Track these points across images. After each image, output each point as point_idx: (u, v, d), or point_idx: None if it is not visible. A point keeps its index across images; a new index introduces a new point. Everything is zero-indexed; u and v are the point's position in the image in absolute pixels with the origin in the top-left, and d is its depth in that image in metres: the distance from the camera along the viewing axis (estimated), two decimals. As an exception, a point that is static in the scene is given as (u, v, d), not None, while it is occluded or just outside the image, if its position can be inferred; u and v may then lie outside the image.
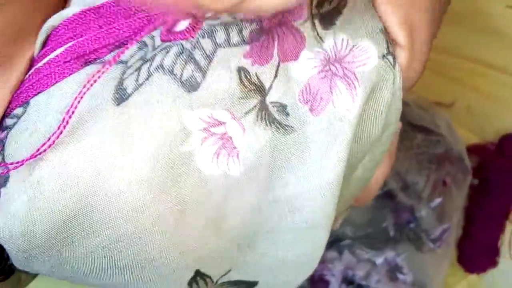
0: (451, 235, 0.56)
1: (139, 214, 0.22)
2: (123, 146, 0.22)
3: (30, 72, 0.24)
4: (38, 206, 0.21)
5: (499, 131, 0.68)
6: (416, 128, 0.55)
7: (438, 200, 0.54)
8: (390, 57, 0.24)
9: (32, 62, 0.25)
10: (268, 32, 0.23)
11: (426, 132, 0.55)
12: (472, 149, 0.63)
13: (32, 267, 0.24)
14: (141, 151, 0.22)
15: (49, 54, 0.24)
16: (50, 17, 0.25)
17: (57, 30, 0.24)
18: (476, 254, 0.63)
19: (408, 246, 0.54)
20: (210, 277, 0.27)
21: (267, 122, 0.23)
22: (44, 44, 0.25)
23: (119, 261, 0.24)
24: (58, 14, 0.24)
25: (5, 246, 0.23)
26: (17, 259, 0.23)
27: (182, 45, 0.22)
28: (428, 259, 0.55)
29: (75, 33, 0.24)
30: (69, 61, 0.23)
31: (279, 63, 0.23)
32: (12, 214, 0.22)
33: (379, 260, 0.54)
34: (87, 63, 0.23)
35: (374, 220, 0.54)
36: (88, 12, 0.24)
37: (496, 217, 0.64)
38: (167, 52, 0.22)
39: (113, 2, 0.24)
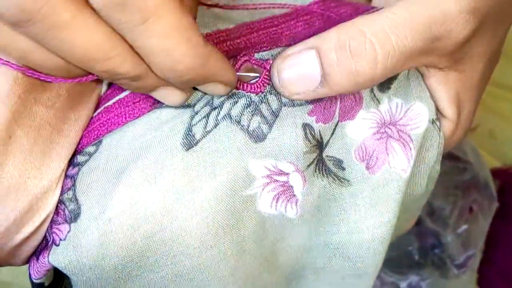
0: (475, 262, 0.56)
1: (203, 252, 0.23)
2: (191, 189, 0.23)
3: (99, 110, 0.25)
4: (109, 242, 0.22)
5: (521, 156, 0.68)
6: (443, 155, 0.55)
7: (464, 227, 0.54)
8: (437, 123, 0.26)
9: (99, 100, 0.26)
10: None
11: (453, 158, 0.56)
12: (494, 173, 0.64)
13: None
14: (208, 194, 0.23)
15: (117, 94, 0.25)
16: None
17: None
18: (497, 278, 0.64)
19: (433, 271, 0.55)
20: None
21: (324, 173, 0.25)
22: (111, 83, 0.26)
23: None
24: None
25: (72, 278, 0.24)
26: None
27: (250, 97, 0.23)
28: (452, 285, 0.55)
29: None
30: (138, 102, 0.24)
31: (338, 122, 0.24)
32: (83, 248, 0.23)
33: (404, 284, 0.55)
34: (155, 104, 0.24)
35: (399, 244, 0.54)
36: None
37: (517, 242, 0.64)
38: (235, 102, 0.23)
39: None
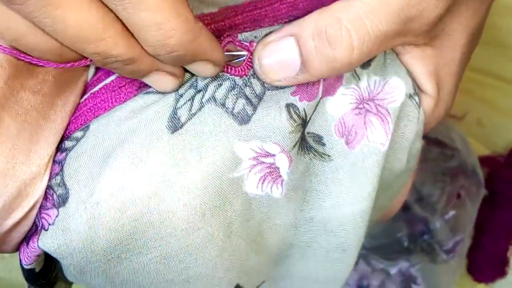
0: (463, 247, 0.57)
1: (190, 234, 0.24)
2: (178, 171, 0.23)
3: (86, 96, 0.25)
4: (97, 225, 0.23)
5: (509, 143, 0.69)
6: (431, 142, 0.56)
7: (452, 213, 0.55)
8: (416, 98, 0.26)
9: (86, 86, 0.26)
10: None
11: (441, 145, 0.57)
12: (482, 161, 0.64)
13: (83, 280, 0.25)
14: (194, 176, 0.23)
15: (103, 79, 0.25)
16: None
17: None
18: (486, 264, 0.64)
19: (422, 257, 0.56)
20: None
21: (305, 149, 0.25)
22: (97, 69, 0.26)
23: (167, 275, 0.25)
24: None
25: (62, 262, 0.24)
26: (71, 273, 0.25)
27: (234, 80, 0.24)
28: (441, 270, 0.56)
29: None
30: (124, 86, 0.24)
31: (320, 99, 0.25)
32: (72, 232, 0.23)
33: (394, 270, 0.55)
34: (141, 88, 0.24)
35: (388, 231, 0.55)
36: None
37: (505, 228, 0.65)
38: (220, 85, 0.24)
39: None
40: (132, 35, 0.20)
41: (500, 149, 0.70)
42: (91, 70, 0.26)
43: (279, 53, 0.23)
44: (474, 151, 0.60)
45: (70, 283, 0.32)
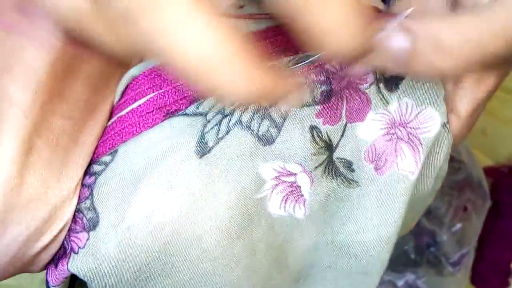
0: (469, 259, 0.58)
1: (217, 256, 0.24)
2: (206, 195, 0.23)
3: (113, 120, 0.26)
4: (127, 249, 0.23)
5: (512, 154, 0.69)
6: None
7: (458, 225, 0.56)
8: (448, 125, 0.26)
9: (112, 109, 0.26)
10: (337, 94, 0.25)
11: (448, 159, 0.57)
12: (486, 172, 0.65)
13: None
14: (222, 200, 0.24)
15: (131, 103, 0.25)
16: (128, 68, 0.27)
17: (138, 79, 0.26)
18: (489, 275, 0.65)
19: (428, 269, 0.56)
20: None
21: (333, 175, 0.25)
22: (123, 92, 0.26)
23: None
24: (139, 65, 0.26)
25: (91, 284, 0.24)
26: None
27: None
28: (447, 282, 0.56)
29: (154, 84, 0.25)
30: (151, 112, 0.25)
31: (346, 123, 0.25)
32: (102, 256, 0.23)
33: (400, 283, 0.56)
34: (168, 113, 0.25)
35: (396, 244, 0.55)
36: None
37: (509, 238, 0.66)
38: (246, 108, 0.24)
39: None
40: None
41: (504, 160, 0.71)
42: (117, 93, 0.26)
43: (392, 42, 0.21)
44: (479, 163, 0.60)
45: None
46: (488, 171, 0.67)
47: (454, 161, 0.57)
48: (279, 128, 0.24)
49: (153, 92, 0.25)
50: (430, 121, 0.26)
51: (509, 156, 0.70)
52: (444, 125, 0.26)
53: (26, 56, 0.23)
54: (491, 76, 0.26)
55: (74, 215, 0.25)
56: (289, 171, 0.25)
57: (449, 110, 0.27)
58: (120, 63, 0.27)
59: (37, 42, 0.24)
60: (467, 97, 0.26)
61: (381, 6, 0.31)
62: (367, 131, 0.25)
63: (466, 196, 0.56)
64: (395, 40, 0.21)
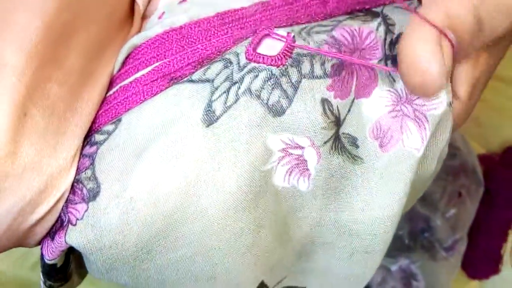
0: (462, 245, 0.58)
1: (222, 230, 0.23)
2: (213, 167, 0.23)
3: (115, 89, 0.25)
4: (130, 220, 0.22)
5: (504, 142, 0.70)
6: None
7: (452, 211, 0.56)
8: (452, 105, 0.26)
9: (111, 79, 0.26)
10: (348, 67, 0.24)
11: (443, 144, 0.57)
12: (479, 159, 0.65)
13: (109, 277, 0.25)
14: (229, 172, 0.23)
15: (133, 73, 0.25)
16: (126, 38, 0.26)
17: (140, 49, 0.25)
18: (480, 261, 0.65)
19: (422, 254, 0.56)
20: (267, 286, 0.28)
21: (340, 150, 0.25)
22: (124, 62, 0.25)
23: (195, 272, 0.25)
24: (141, 34, 0.25)
25: (90, 257, 0.23)
26: (97, 269, 0.24)
27: (271, 71, 0.23)
28: (440, 267, 0.56)
29: (158, 53, 0.24)
30: (156, 80, 0.24)
31: (353, 99, 0.24)
32: (102, 227, 0.22)
33: (394, 267, 0.56)
34: (173, 80, 0.24)
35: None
36: (170, 32, 0.25)
37: (500, 226, 0.66)
38: (256, 76, 0.23)
39: (195, 23, 0.25)
40: None
41: (495, 148, 0.71)
42: (118, 63, 0.26)
43: None
44: (473, 151, 0.60)
45: (83, 277, 0.31)
46: (480, 159, 0.67)
47: (449, 147, 0.57)
48: (290, 99, 0.23)
49: (157, 61, 0.24)
50: (436, 99, 0.25)
51: (501, 144, 0.70)
52: (449, 104, 0.26)
53: (19, 19, 0.22)
54: (483, 54, 0.25)
55: (73, 185, 0.24)
56: (297, 144, 0.24)
57: None
58: (118, 30, 0.26)
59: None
60: (463, 78, 0.26)
61: None
62: (372, 108, 0.25)
63: (460, 182, 0.56)
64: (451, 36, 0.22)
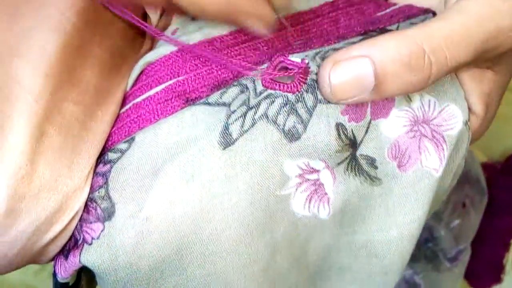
0: (466, 255, 0.58)
1: (237, 252, 0.23)
2: (229, 189, 0.23)
3: (127, 107, 0.25)
4: (145, 241, 0.22)
5: (506, 150, 0.70)
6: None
7: (456, 221, 0.56)
8: (469, 123, 0.26)
9: (125, 96, 0.25)
10: None
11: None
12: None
13: None
14: (244, 194, 0.23)
15: (146, 90, 0.24)
16: (139, 55, 0.26)
17: (153, 65, 0.25)
18: (482, 270, 0.65)
19: (426, 265, 0.56)
20: None
21: (356, 172, 0.25)
22: (137, 79, 0.25)
23: None
24: (155, 51, 0.25)
25: (104, 277, 0.23)
26: None
27: (287, 97, 0.23)
28: (444, 277, 0.57)
29: (171, 70, 0.24)
30: (170, 99, 0.24)
31: (370, 120, 0.24)
32: (118, 247, 0.22)
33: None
34: (188, 101, 0.24)
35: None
36: (184, 50, 0.25)
37: (502, 235, 0.66)
38: (272, 102, 0.23)
39: (208, 42, 0.25)
40: None
41: (497, 156, 0.71)
42: (131, 79, 0.25)
43: (352, 73, 0.22)
44: (477, 160, 0.60)
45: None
46: (482, 167, 0.67)
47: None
48: (305, 124, 0.23)
49: (171, 79, 0.24)
50: (453, 119, 0.25)
51: (503, 153, 0.71)
52: (465, 123, 0.26)
53: (37, 39, 0.22)
54: (487, 72, 0.26)
55: (86, 204, 0.24)
56: (313, 168, 0.24)
57: None
58: (132, 47, 0.26)
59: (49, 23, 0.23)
60: (474, 95, 0.26)
61: None
62: (390, 128, 0.25)
63: (464, 192, 0.56)
64: (356, 68, 0.22)
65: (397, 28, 0.26)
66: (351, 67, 0.22)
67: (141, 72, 0.25)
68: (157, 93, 0.24)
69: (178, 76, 0.24)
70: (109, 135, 0.24)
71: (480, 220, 0.60)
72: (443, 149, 0.25)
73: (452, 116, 0.25)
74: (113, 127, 0.25)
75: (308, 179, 0.24)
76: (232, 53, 0.25)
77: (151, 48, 0.27)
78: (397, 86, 0.22)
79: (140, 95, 0.25)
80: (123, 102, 0.25)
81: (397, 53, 0.22)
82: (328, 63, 0.22)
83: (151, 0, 0.23)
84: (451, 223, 0.56)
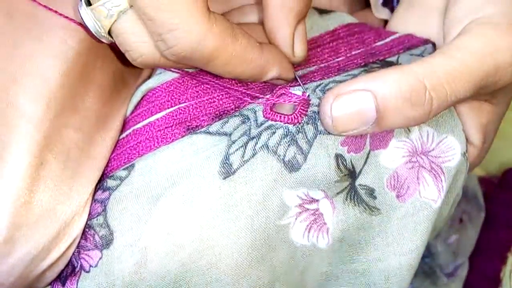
0: (463, 270, 0.58)
1: (236, 281, 0.23)
2: (228, 218, 0.23)
3: (127, 133, 0.25)
4: (143, 270, 0.22)
5: (503, 165, 0.70)
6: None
7: (454, 237, 0.56)
8: (467, 154, 0.26)
9: (124, 121, 0.25)
10: None
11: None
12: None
13: None
14: (244, 223, 0.23)
15: (147, 116, 0.24)
16: (139, 80, 0.26)
17: (154, 91, 0.25)
18: (479, 284, 0.65)
19: (423, 280, 0.56)
20: None
21: (356, 202, 0.25)
22: (138, 104, 0.25)
23: None
24: (157, 77, 0.25)
25: None
26: None
27: (288, 128, 0.23)
28: (441, 293, 0.56)
29: (172, 97, 0.24)
30: (171, 127, 0.24)
31: (369, 151, 0.24)
32: (115, 276, 0.22)
33: (395, 293, 0.55)
34: (189, 129, 0.24)
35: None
36: (186, 77, 0.25)
37: (499, 249, 0.66)
38: (273, 133, 0.23)
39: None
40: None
41: (494, 171, 0.71)
42: (131, 104, 0.25)
43: (353, 106, 0.22)
44: (474, 175, 0.60)
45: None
46: (479, 181, 0.67)
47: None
48: (305, 155, 0.23)
49: (172, 106, 0.24)
50: (451, 151, 0.25)
51: (500, 167, 0.71)
52: (463, 154, 0.26)
53: (38, 66, 0.22)
54: (485, 104, 0.26)
55: (84, 231, 0.24)
56: (312, 198, 0.24)
57: None
58: (132, 72, 0.26)
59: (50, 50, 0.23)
60: (472, 126, 0.26)
61: (383, 13, 0.31)
62: (389, 159, 0.25)
63: (461, 207, 0.56)
64: (358, 102, 0.22)
65: (397, 59, 0.26)
66: (353, 100, 0.22)
67: (142, 98, 0.25)
68: (157, 119, 0.24)
69: (180, 103, 0.24)
70: (109, 161, 0.24)
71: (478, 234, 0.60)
72: (441, 180, 0.25)
73: (450, 148, 0.25)
74: (112, 153, 0.24)
75: (308, 209, 0.24)
76: (233, 81, 0.25)
77: (151, 73, 0.27)
78: (398, 120, 0.22)
79: (140, 121, 0.25)
80: (123, 128, 0.25)
81: (398, 89, 0.22)
82: (330, 96, 0.22)
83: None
84: (448, 239, 0.56)
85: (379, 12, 0.31)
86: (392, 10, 0.31)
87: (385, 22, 0.31)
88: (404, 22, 0.28)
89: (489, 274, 0.66)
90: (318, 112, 0.23)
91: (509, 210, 0.67)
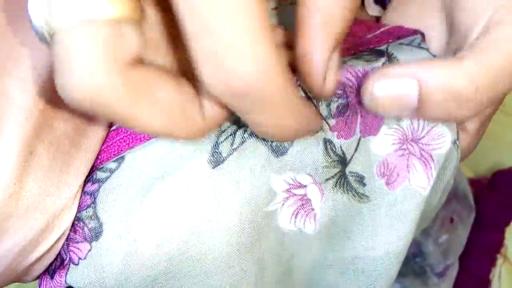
0: (454, 270, 0.58)
1: (225, 271, 0.23)
2: (217, 208, 0.22)
3: (118, 124, 0.24)
4: (133, 262, 0.22)
5: (493, 166, 0.70)
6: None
7: (444, 237, 0.56)
8: (457, 142, 0.26)
9: None
10: (352, 108, 0.24)
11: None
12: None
13: None
14: (233, 213, 0.23)
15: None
16: None
17: None
18: (469, 285, 0.66)
19: (413, 280, 0.56)
20: None
21: (345, 189, 0.25)
22: None
23: None
24: None
25: None
26: None
27: None
28: (431, 293, 0.57)
29: None
30: None
31: (360, 138, 0.24)
32: (105, 268, 0.22)
33: (386, 293, 0.56)
34: None
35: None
36: None
37: (488, 250, 0.66)
38: None
39: None
40: None
41: (484, 172, 0.71)
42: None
43: (397, 91, 0.21)
44: (465, 176, 0.61)
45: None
46: (469, 183, 0.67)
47: (441, 172, 0.58)
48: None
49: None
50: (441, 138, 0.25)
51: (490, 169, 0.71)
52: (454, 142, 0.26)
53: (28, 56, 0.22)
54: None
55: (74, 223, 0.23)
56: (300, 183, 0.24)
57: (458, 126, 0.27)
58: None
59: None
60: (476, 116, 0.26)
61: (375, 10, 0.31)
62: (380, 146, 0.25)
63: (452, 207, 0.57)
64: (402, 87, 0.21)
65: (386, 49, 0.26)
66: (396, 85, 0.21)
67: None
68: None
69: None
70: (99, 153, 0.24)
71: (468, 235, 0.60)
72: (431, 168, 0.25)
73: (440, 136, 0.25)
74: (102, 145, 0.24)
75: (295, 194, 0.24)
76: None
77: None
78: (437, 114, 0.21)
79: None
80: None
81: (447, 83, 0.21)
82: (376, 74, 0.21)
83: None
84: (439, 239, 0.56)
85: (372, 9, 0.31)
86: (384, 7, 0.31)
87: (377, 19, 0.31)
88: (402, 16, 0.28)
89: (479, 274, 0.66)
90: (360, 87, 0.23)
91: (498, 212, 0.67)
